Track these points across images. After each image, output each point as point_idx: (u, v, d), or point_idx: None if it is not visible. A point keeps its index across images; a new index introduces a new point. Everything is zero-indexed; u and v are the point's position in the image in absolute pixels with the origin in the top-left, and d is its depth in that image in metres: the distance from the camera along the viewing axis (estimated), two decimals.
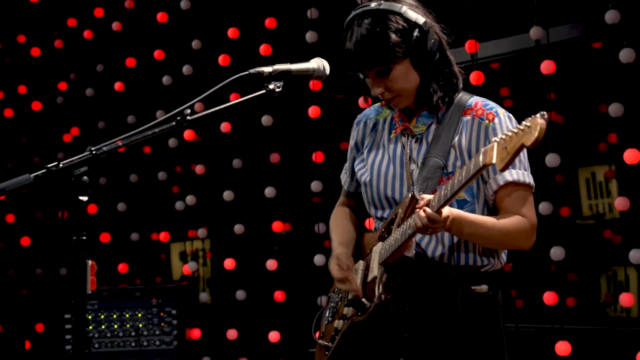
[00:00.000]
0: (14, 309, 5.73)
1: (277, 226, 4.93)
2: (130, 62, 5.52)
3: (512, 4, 4.42)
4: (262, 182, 4.90)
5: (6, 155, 5.93)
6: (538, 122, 2.12)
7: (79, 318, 2.25)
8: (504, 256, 2.73)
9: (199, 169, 5.21)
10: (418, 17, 2.61)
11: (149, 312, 4.90)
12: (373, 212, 2.79)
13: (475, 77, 4.06)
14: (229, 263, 5.01)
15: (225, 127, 5.04)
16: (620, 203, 3.70)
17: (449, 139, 2.62)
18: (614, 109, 3.72)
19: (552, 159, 3.93)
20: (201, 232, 5.25)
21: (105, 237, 5.57)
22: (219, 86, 2.44)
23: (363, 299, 2.65)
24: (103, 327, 4.86)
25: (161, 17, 5.31)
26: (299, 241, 5.34)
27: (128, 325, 4.88)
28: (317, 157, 4.72)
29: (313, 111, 4.65)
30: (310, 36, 4.65)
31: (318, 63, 2.58)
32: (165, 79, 5.31)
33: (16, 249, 5.84)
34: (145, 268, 5.68)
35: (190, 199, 5.23)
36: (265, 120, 4.84)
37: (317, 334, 2.90)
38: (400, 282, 2.61)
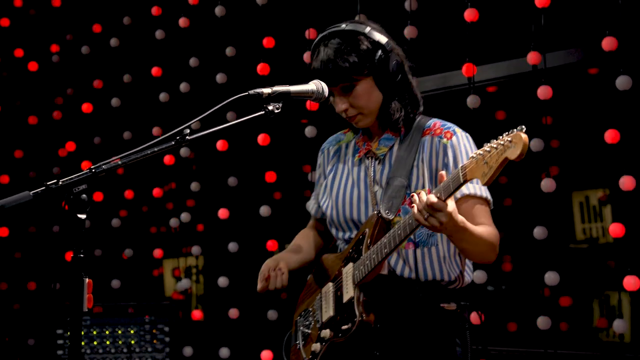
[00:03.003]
0: (6, 323, 5.71)
1: (272, 245, 4.93)
2: (128, 78, 5.53)
3: (509, 28, 4.45)
4: (257, 200, 4.91)
5: (1, 169, 5.92)
6: (521, 136, 2.16)
7: (74, 335, 2.25)
8: (469, 273, 2.80)
9: (194, 186, 5.21)
10: (381, 38, 2.74)
11: (142, 328, 4.88)
12: (339, 235, 2.86)
13: (472, 101, 4.08)
14: (223, 281, 5.00)
15: (221, 145, 5.04)
16: (615, 230, 3.71)
17: (411, 159, 2.70)
18: (610, 136, 3.74)
19: (547, 184, 3.94)
20: (195, 249, 5.25)
21: (98, 253, 5.57)
22: (218, 106, 2.46)
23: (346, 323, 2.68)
24: (95, 343, 4.85)
25: (159, 34, 5.33)
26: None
27: (120, 342, 4.86)
28: (313, 176, 4.72)
29: (310, 131, 4.66)
30: (307, 56, 4.66)
31: (317, 85, 2.61)
32: (162, 96, 5.33)
33: (9, 262, 5.82)
34: (139, 285, 5.67)
35: (185, 216, 5.23)
36: (261, 139, 4.85)
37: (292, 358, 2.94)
38: (378, 301, 2.67)
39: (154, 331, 4.89)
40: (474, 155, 2.28)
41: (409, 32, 4.31)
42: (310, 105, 4.61)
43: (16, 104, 5.97)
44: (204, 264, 5.84)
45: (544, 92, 3.96)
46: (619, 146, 3.74)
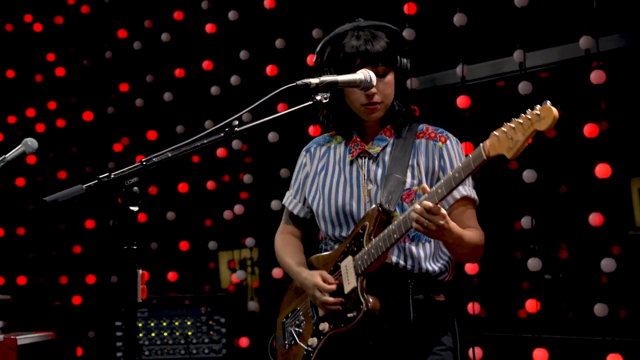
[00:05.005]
0: (66, 316, 5.81)
1: None
2: (179, 72, 5.58)
3: (561, 13, 4.39)
4: None
5: (59, 165, 6.02)
6: (551, 109, 2.28)
7: (130, 326, 2.28)
8: (452, 268, 2.90)
9: (246, 178, 5.25)
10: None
11: (198, 320, 4.94)
12: (330, 232, 2.91)
13: (523, 87, 4.04)
14: (277, 272, 5.03)
15: (272, 137, 5.07)
16: None
17: (406, 159, 2.82)
18: None
19: (601, 170, 3.89)
20: (249, 241, 5.29)
21: (154, 246, 5.65)
22: (267, 97, 2.47)
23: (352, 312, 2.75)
24: (153, 334, 4.92)
25: (210, 28, 5.37)
26: None
27: (177, 333, 4.93)
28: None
29: None
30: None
31: (365, 74, 2.61)
32: (214, 89, 5.37)
33: (68, 256, 5.93)
34: (194, 277, 5.73)
35: (238, 208, 5.27)
36: (312, 130, 4.86)
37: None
38: (377, 289, 2.75)
39: (211, 322, 4.94)
40: (496, 133, 2.38)
41: (458, 19, 4.29)
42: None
43: (71, 100, 6.06)
44: (259, 255, 5.87)
45: (597, 76, 3.90)
46: None
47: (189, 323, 4.93)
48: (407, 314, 2.74)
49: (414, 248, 2.79)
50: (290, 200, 3.09)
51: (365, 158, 2.89)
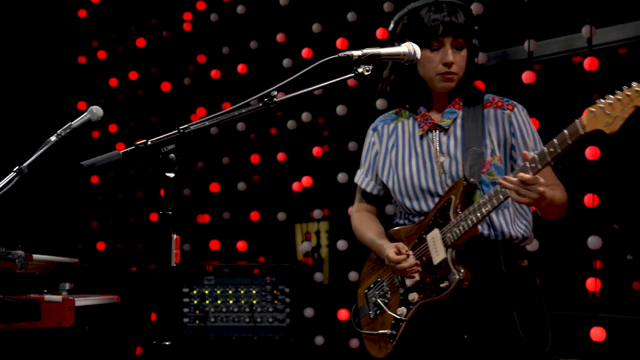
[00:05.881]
0: (138, 281, 5.96)
1: (389, 209, 4.94)
2: (254, 44, 5.64)
3: None
4: None
5: (137, 135, 6.16)
6: None
7: (165, 290, 2.35)
8: (531, 233, 2.96)
9: (315, 151, 5.28)
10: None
11: (263, 289, 5.02)
12: (408, 204, 2.97)
13: (588, 63, 3.95)
14: (342, 244, 5.06)
15: (341, 110, 5.08)
16: None
17: (479, 130, 2.87)
18: None
19: None
20: (317, 213, 5.33)
21: (226, 216, 5.75)
22: (308, 69, 2.50)
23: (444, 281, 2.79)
24: (219, 302, 5.02)
25: (284, 1, 5.40)
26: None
27: (243, 302, 5.01)
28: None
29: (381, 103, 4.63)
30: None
31: (409, 47, 2.59)
32: (286, 62, 5.40)
33: (145, 223, 6.08)
34: (270, 247, 5.80)
35: (306, 180, 5.30)
36: (380, 104, 4.86)
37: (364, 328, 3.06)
38: (467, 259, 2.79)
39: (275, 292, 5.01)
40: (592, 109, 2.42)
41: None
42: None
43: (151, 71, 6.19)
44: (329, 228, 5.91)
45: None
46: None
47: (254, 292, 5.01)
48: (498, 280, 2.80)
49: (494, 216, 2.85)
50: (362, 179, 3.18)
51: (436, 131, 2.96)
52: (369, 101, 4.90)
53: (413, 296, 2.88)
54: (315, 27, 5.24)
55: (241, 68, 5.66)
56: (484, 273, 2.81)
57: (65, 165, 4.70)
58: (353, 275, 5.03)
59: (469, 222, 2.74)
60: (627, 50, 4.60)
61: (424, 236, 2.88)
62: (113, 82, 6.13)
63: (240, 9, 5.67)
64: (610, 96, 2.39)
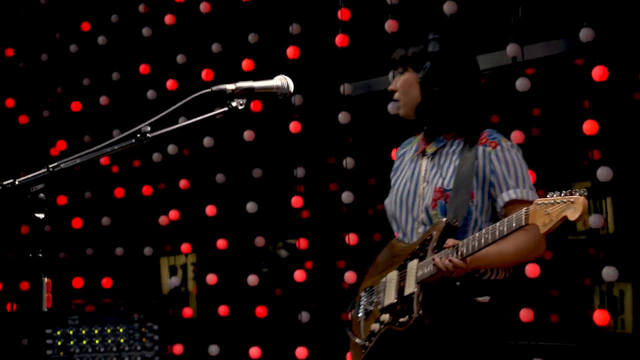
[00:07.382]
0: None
1: (260, 241, 4.93)
2: (116, 76, 5.52)
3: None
4: (243, 197, 4.89)
5: None
6: (583, 202, 2.36)
7: (35, 335, 2.24)
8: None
9: (182, 183, 5.20)
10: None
11: (131, 327, 4.88)
12: (395, 228, 3.06)
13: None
14: (211, 278, 4.99)
15: (207, 142, 5.03)
16: (595, 221, 3.69)
17: (471, 171, 2.86)
18: None
19: None
20: (185, 247, 5.24)
21: (89, 252, 5.58)
22: (181, 103, 2.45)
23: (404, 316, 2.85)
24: (84, 342, 4.84)
25: (146, 31, 5.31)
26: (279, 257, 5.32)
27: (109, 341, 4.86)
28: (299, 172, 4.72)
29: (294, 126, 4.64)
30: (291, 52, 4.63)
31: (282, 80, 2.57)
32: (150, 94, 5.31)
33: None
34: (133, 283, 5.66)
35: (173, 214, 5.21)
36: (247, 135, 4.84)
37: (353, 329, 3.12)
38: (433, 299, 2.82)
39: (143, 329, 4.88)
40: (539, 202, 2.47)
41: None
42: (254, 105, 4.63)
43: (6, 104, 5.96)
44: (196, 261, 5.83)
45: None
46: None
47: (121, 330, 4.86)
48: (453, 318, 2.83)
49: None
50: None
51: (423, 157, 3.02)
52: (237, 132, 4.87)
53: (385, 317, 2.93)
54: (180, 58, 5.18)
55: (104, 100, 5.53)
56: (440, 311, 2.83)
57: None
58: (223, 309, 4.97)
59: (433, 268, 2.77)
60: (485, 80, 4.72)
61: (408, 262, 2.91)
62: None
63: (101, 39, 5.53)
64: (559, 195, 2.43)
